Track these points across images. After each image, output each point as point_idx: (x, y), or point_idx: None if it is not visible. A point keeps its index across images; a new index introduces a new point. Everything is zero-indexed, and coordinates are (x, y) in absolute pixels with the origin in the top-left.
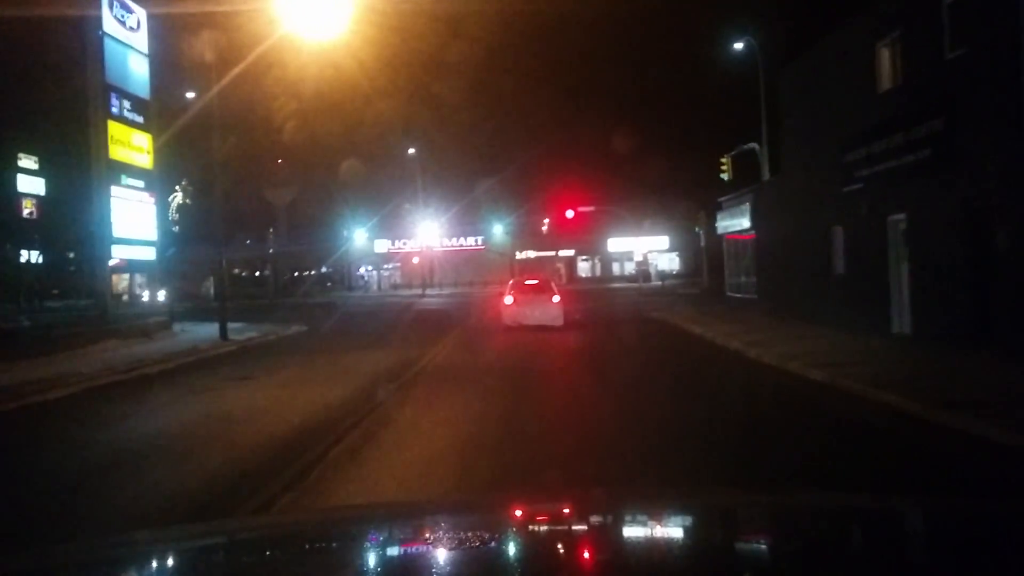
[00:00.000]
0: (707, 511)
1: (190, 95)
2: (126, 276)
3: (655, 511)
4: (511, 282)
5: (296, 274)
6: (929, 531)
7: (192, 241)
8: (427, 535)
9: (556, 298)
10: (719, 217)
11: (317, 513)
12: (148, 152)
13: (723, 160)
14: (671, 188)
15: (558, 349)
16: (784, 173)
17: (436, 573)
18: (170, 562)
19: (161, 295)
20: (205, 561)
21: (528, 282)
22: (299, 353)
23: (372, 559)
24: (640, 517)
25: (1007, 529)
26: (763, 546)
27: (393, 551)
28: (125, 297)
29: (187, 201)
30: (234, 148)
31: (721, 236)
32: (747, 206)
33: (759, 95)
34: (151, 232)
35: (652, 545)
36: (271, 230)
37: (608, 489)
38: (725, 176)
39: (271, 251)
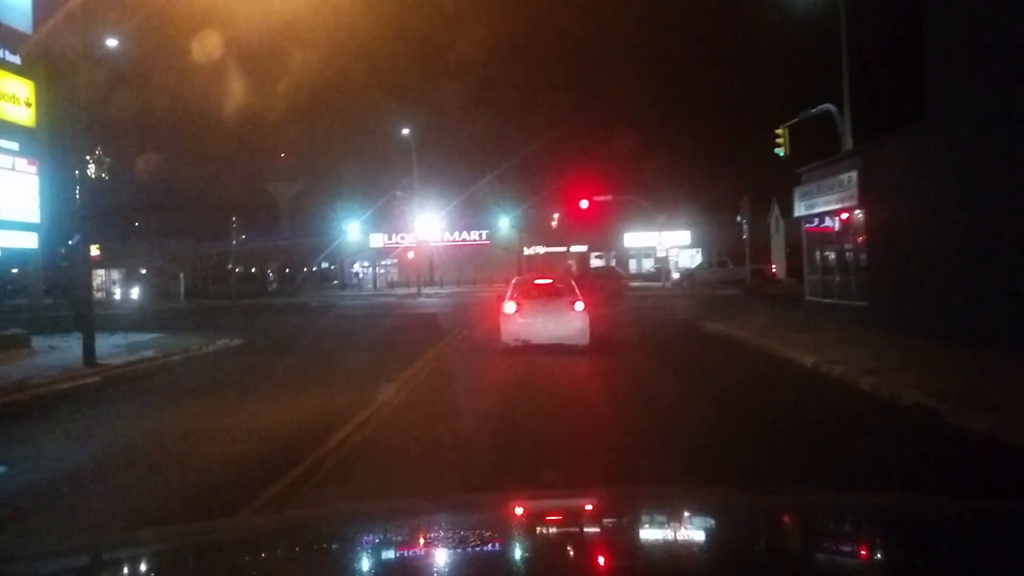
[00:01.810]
0: (710, 511)
1: (112, 42)
2: (100, 272)
3: (658, 512)
4: (514, 281)
5: (287, 271)
6: (933, 530)
7: (153, 230)
8: (428, 535)
9: (579, 305)
10: (798, 196)
11: (318, 513)
12: (28, 104)
13: (778, 131)
14: (696, 176)
15: (595, 401)
16: (929, 118)
17: (437, 573)
18: (170, 562)
19: (135, 293)
20: (205, 561)
21: (539, 282)
22: (167, 399)
23: (373, 559)
24: (641, 518)
25: (1008, 529)
26: (764, 546)
27: (394, 550)
28: (100, 295)
29: (103, 175)
30: (229, 134)
31: (799, 221)
32: (850, 177)
33: (827, 42)
34: (30, 212)
35: (653, 545)
36: (233, 220)
37: (610, 489)
38: (781, 152)
39: (234, 243)
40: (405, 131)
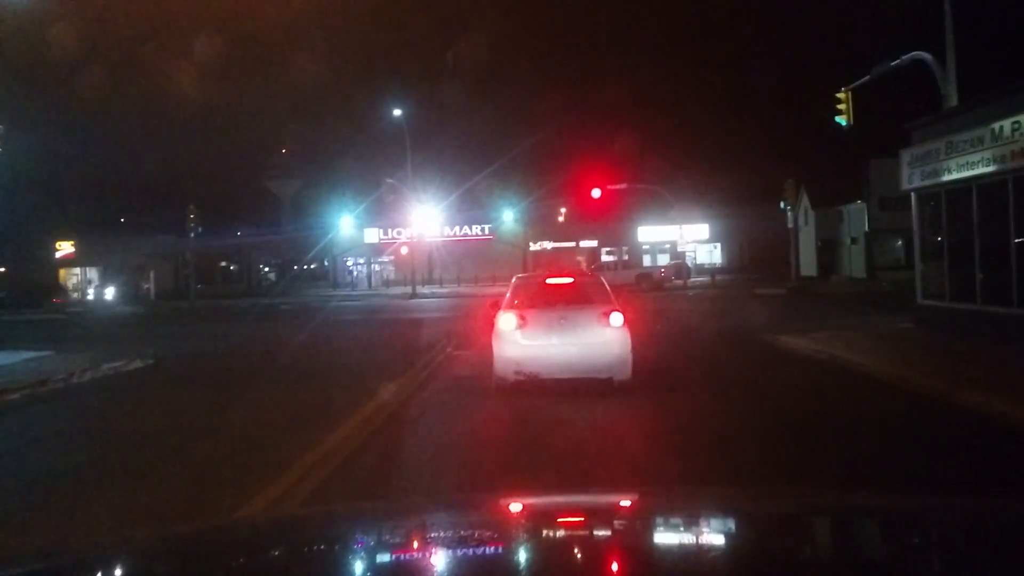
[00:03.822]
0: (712, 512)
1: None
2: (76, 271)
3: (660, 512)
4: (515, 281)
5: (278, 268)
6: (937, 530)
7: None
8: (428, 535)
9: (617, 317)
10: (907, 161)
11: (318, 513)
12: None
13: (840, 96)
14: (716, 165)
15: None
16: None
17: (436, 573)
18: (170, 562)
19: (109, 293)
20: (205, 561)
21: (552, 281)
22: None
23: (373, 559)
24: (643, 519)
25: (1008, 528)
26: (765, 547)
27: (394, 550)
28: (76, 295)
29: None
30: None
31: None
32: (1016, 123)
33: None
34: None
35: (654, 546)
36: (192, 207)
37: (612, 490)
38: (843, 121)
39: (192, 235)
40: (397, 112)
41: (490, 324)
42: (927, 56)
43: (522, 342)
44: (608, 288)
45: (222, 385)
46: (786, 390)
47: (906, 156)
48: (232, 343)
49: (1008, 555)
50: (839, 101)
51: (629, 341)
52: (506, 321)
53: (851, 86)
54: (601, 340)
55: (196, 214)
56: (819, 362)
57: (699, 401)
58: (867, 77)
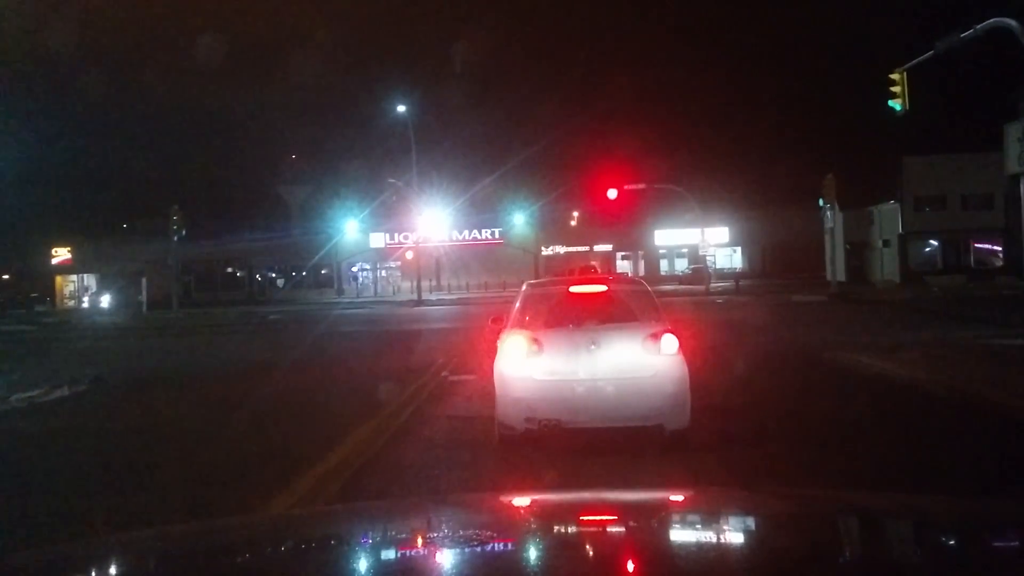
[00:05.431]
0: (711, 511)
1: None
2: (73, 278)
3: (659, 512)
4: (525, 290)
5: (285, 274)
6: (936, 530)
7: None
8: (428, 534)
9: (670, 342)
10: (1017, 137)
11: (318, 513)
12: None
13: (893, 77)
14: (735, 166)
15: None
16: None
17: (437, 573)
18: (171, 562)
19: (104, 301)
20: (205, 561)
21: (576, 290)
22: None
23: (373, 559)
24: (643, 519)
25: (1009, 528)
26: (766, 548)
27: (394, 550)
28: (71, 302)
29: None
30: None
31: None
32: None
33: None
34: None
35: (653, 545)
36: (175, 209)
37: (613, 490)
38: (898, 106)
39: (175, 239)
40: (401, 108)
41: (492, 346)
42: (1012, 23)
43: (536, 377)
44: (655, 299)
45: (131, 429)
46: (926, 445)
47: (1014, 131)
48: (191, 363)
49: (1005, 555)
50: (892, 83)
51: (687, 375)
52: (514, 346)
53: (907, 65)
54: (648, 373)
55: (180, 217)
56: (935, 396)
57: (797, 463)
58: (930, 53)
